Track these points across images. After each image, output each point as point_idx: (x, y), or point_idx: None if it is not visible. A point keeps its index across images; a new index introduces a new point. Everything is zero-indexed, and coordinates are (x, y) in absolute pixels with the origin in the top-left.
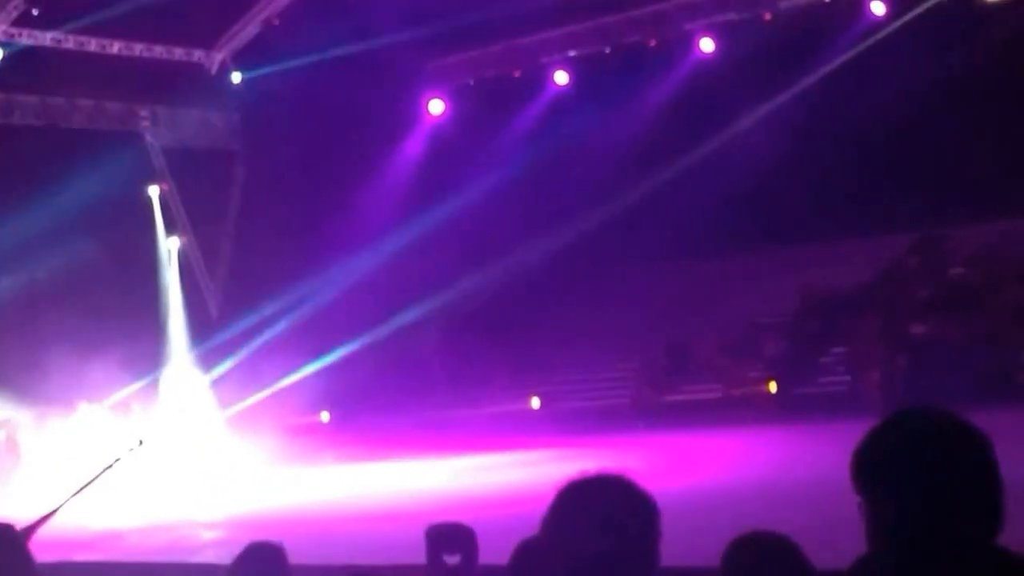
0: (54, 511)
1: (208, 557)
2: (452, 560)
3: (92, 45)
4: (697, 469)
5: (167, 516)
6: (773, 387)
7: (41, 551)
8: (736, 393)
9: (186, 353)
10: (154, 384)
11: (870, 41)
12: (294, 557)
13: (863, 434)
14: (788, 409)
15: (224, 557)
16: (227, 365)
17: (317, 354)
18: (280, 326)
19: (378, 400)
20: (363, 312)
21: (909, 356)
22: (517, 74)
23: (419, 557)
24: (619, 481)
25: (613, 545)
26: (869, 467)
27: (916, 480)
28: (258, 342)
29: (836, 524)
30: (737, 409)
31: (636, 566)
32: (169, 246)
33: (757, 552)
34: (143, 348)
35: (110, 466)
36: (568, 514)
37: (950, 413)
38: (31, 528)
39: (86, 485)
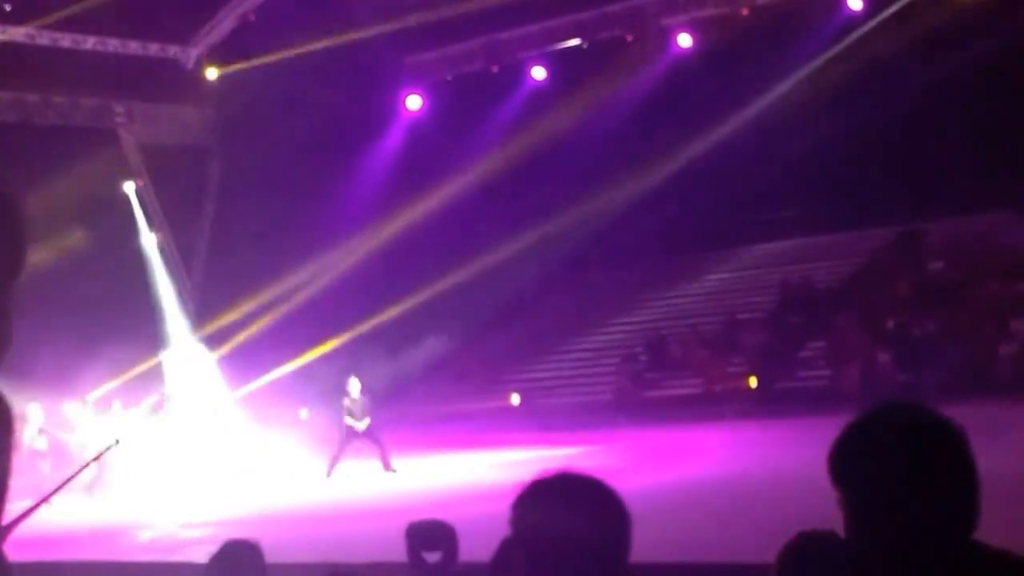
0: (30, 510)
1: (190, 556)
2: (433, 558)
3: (66, 41)
4: (678, 464)
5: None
6: (753, 382)
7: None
8: (716, 388)
9: (188, 336)
10: (141, 378)
11: (850, 38)
12: (272, 556)
13: (840, 429)
14: (768, 403)
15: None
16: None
17: (297, 351)
18: (258, 323)
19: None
20: (341, 309)
21: (888, 350)
22: (495, 69)
23: (400, 555)
24: (581, 478)
25: (576, 544)
26: (845, 462)
27: (892, 475)
28: (237, 340)
29: (817, 518)
30: (717, 404)
31: (603, 562)
32: (147, 243)
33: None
34: (125, 344)
35: (87, 464)
36: (528, 515)
37: (926, 408)
38: (7, 528)
39: (63, 484)
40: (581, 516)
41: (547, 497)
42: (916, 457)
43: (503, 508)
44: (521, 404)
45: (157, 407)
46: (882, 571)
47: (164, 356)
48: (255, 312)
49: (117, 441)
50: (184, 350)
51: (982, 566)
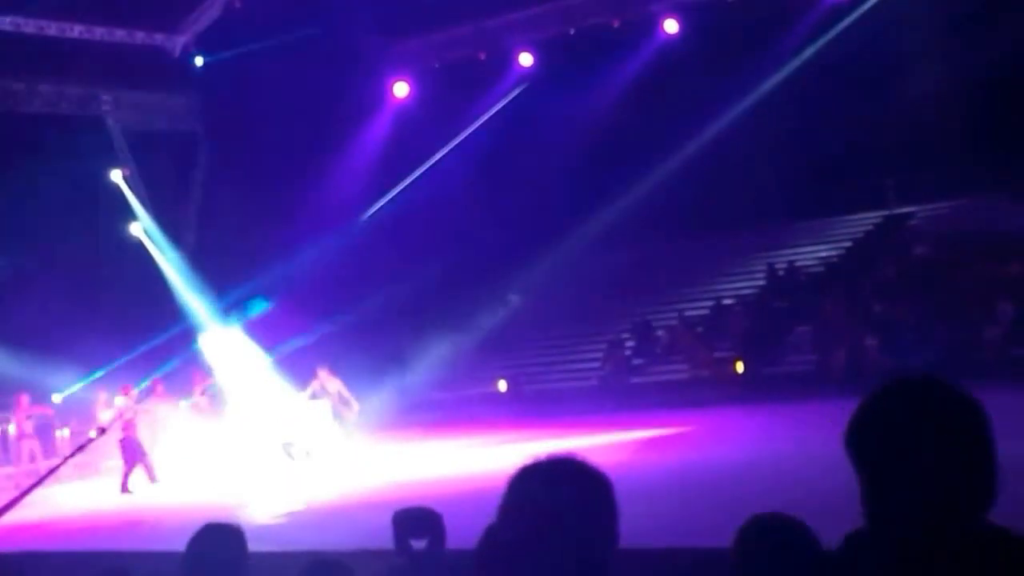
0: (15, 501)
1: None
2: (419, 544)
3: (52, 29)
4: (664, 450)
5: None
6: (740, 367)
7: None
8: (703, 373)
9: (211, 317)
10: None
11: (841, 25)
12: (257, 544)
13: (859, 404)
14: (755, 388)
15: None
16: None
17: (284, 337)
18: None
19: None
20: (329, 295)
21: (875, 334)
22: (482, 56)
23: (387, 542)
24: (571, 462)
25: (567, 528)
26: (863, 436)
27: (911, 451)
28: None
29: (802, 502)
30: (705, 389)
31: (593, 547)
32: (135, 230)
33: (771, 535)
34: (121, 333)
35: (71, 455)
36: (520, 500)
37: (946, 382)
38: None
39: (47, 476)
40: (568, 498)
41: (535, 480)
42: (936, 433)
43: (490, 494)
44: (508, 390)
45: (204, 393)
46: (897, 548)
47: (201, 341)
48: (243, 298)
49: (101, 431)
50: (215, 331)
51: (1005, 548)
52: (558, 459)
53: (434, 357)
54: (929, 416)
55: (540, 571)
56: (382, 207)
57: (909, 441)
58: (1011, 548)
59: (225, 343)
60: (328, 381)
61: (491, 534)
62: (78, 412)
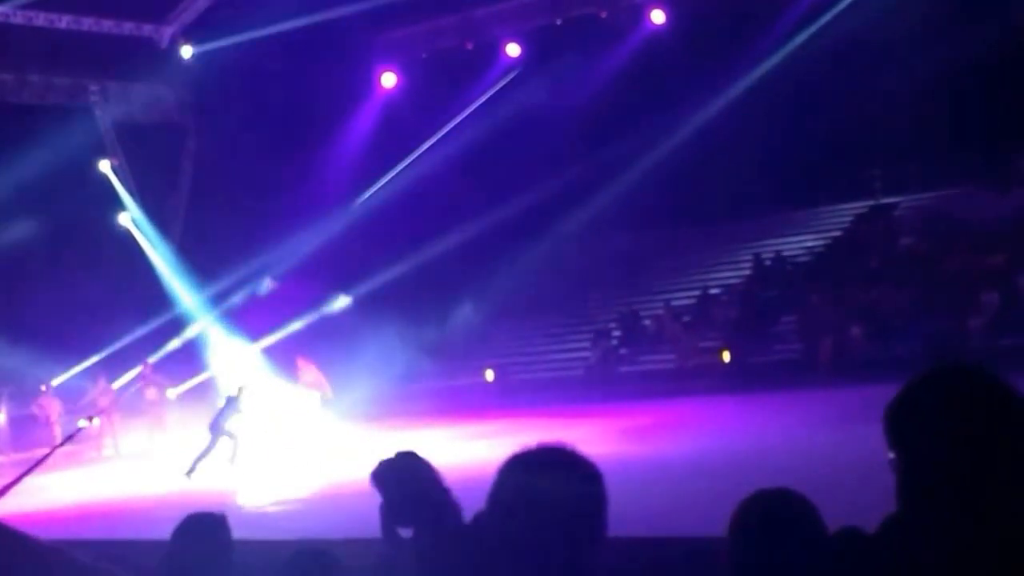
0: (5, 488)
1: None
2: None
3: (40, 20)
4: (651, 439)
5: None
6: (727, 356)
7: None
8: (690, 363)
9: (205, 312)
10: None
11: (827, 17)
12: (243, 532)
13: (902, 387)
14: (742, 377)
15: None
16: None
17: (271, 327)
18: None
19: (332, 374)
20: (317, 284)
21: (860, 324)
22: (469, 46)
23: (374, 531)
24: (561, 451)
25: (557, 517)
26: (907, 422)
27: (954, 441)
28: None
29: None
30: (691, 378)
31: (583, 536)
32: (124, 220)
33: (769, 510)
34: (110, 322)
35: (61, 444)
36: (510, 488)
37: (991, 372)
38: None
39: (38, 463)
40: (558, 487)
41: (525, 468)
42: (983, 423)
43: (477, 482)
44: (496, 380)
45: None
46: (930, 538)
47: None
48: (230, 287)
49: (90, 419)
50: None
51: None
52: (548, 448)
53: (417, 347)
54: (970, 404)
55: (529, 559)
56: (369, 197)
57: (950, 429)
58: None
59: (212, 332)
60: (305, 370)
61: (479, 521)
62: (70, 400)
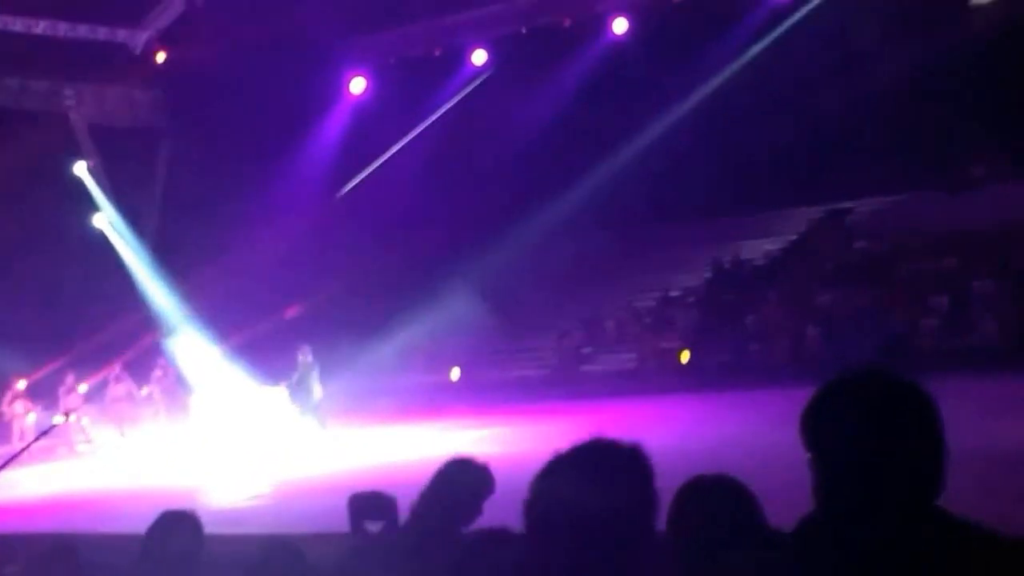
0: None
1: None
2: (375, 527)
3: (17, 25)
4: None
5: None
6: (686, 356)
7: None
8: (651, 363)
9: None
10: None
11: (785, 25)
12: (213, 527)
13: (815, 390)
14: (701, 378)
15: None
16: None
17: (242, 328)
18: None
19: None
20: (285, 287)
21: (816, 325)
22: (437, 53)
23: (342, 525)
24: (604, 448)
25: (601, 513)
26: (819, 424)
27: (862, 438)
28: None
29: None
30: (652, 378)
31: (629, 531)
32: (98, 221)
33: (707, 495)
34: (83, 322)
35: (36, 439)
36: (552, 489)
37: (896, 374)
38: None
39: (12, 458)
40: (606, 485)
41: (569, 469)
42: (886, 421)
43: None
44: (461, 379)
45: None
46: (847, 535)
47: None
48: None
49: (67, 416)
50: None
51: (951, 535)
52: (588, 447)
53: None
54: (879, 406)
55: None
56: (337, 201)
57: (859, 430)
58: (960, 534)
59: (185, 332)
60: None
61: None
62: (41, 397)
